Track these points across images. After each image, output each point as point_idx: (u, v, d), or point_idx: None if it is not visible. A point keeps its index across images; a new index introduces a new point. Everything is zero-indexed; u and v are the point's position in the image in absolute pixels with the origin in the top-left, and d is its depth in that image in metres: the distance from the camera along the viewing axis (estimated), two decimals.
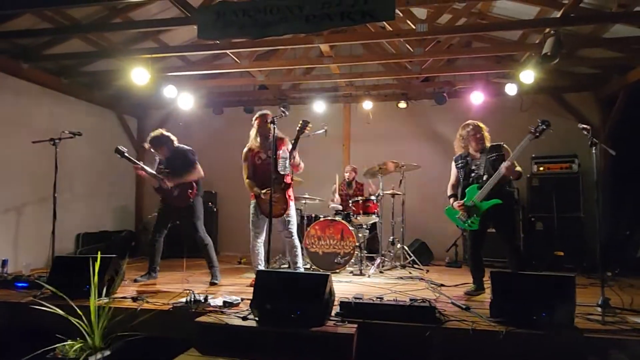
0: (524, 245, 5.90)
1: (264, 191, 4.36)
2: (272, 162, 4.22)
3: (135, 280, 4.64)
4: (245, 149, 4.63)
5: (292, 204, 4.54)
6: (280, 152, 5.01)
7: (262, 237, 4.51)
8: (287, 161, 4.40)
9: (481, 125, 4.14)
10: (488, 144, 4.12)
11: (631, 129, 5.88)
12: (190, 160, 4.72)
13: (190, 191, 4.66)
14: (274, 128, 4.10)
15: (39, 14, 5.00)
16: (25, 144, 5.06)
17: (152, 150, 4.81)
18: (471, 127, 4.13)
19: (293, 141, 4.36)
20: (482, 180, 3.99)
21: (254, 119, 4.58)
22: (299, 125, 4.25)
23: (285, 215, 4.45)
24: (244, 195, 7.35)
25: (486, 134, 4.14)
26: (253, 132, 4.58)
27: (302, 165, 4.52)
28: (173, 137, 4.86)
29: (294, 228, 4.56)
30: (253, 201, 4.54)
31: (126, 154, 4.68)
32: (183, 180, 4.64)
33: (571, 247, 5.63)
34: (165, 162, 4.82)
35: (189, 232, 4.72)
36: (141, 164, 4.73)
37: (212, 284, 4.61)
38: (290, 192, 4.51)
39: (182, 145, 4.88)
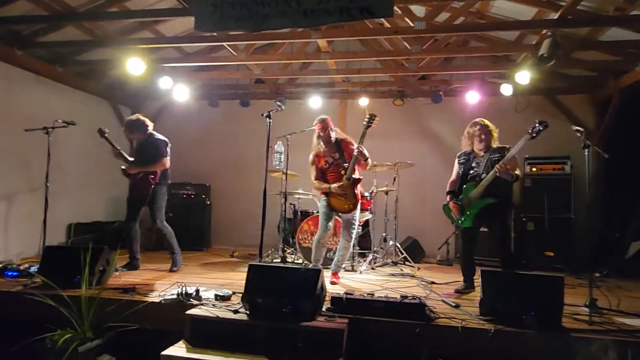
0: (515, 245, 5.93)
1: (334, 185, 4.33)
2: (337, 161, 4.40)
3: (116, 270, 4.55)
4: (312, 155, 4.55)
5: (358, 204, 4.44)
6: (276, 146, 5.01)
7: (330, 232, 4.50)
8: (282, 156, 4.38)
9: (490, 126, 4.14)
10: (495, 145, 4.12)
11: (625, 133, 5.93)
12: (159, 153, 4.79)
13: (151, 177, 4.70)
14: (270, 122, 4.11)
15: (34, 1, 4.94)
16: (17, 132, 5.02)
17: (126, 133, 4.94)
18: (479, 126, 4.14)
19: (360, 138, 4.26)
20: (479, 179, 4.01)
21: (314, 124, 4.48)
22: (366, 119, 4.22)
23: (352, 214, 4.42)
24: (238, 188, 7.43)
25: (494, 135, 4.14)
26: (315, 138, 4.51)
27: (369, 161, 4.36)
28: (149, 123, 4.93)
29: (354, 232, 4.52)
30: (323, 197, 4.52)
31: (106, 135, 4.75)
32: (145, 169, 4.72)
33: (561, 247, 5.68)
34: (137, 147, 4.93)
35: (151, 221, 4.82)
36: (119, 148, 4.82)
37: (172, 271, 4.72)
38: (359, 188, 4.43)
39: (157, 134, 4.94)
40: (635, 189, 5.59)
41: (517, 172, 3.91)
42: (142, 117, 4.95)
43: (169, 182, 5.00)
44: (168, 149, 4.89)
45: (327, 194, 4.47)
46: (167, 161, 4.83)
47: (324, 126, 4.41)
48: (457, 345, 2.87)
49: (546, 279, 3.16)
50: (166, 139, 4.94)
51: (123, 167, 4.83)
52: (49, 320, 3.04)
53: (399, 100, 6.96)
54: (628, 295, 4.25)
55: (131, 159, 4.84)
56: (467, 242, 4.24)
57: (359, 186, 4.43)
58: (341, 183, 4.30)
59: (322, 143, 4.46)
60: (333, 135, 4.47)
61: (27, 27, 5.48)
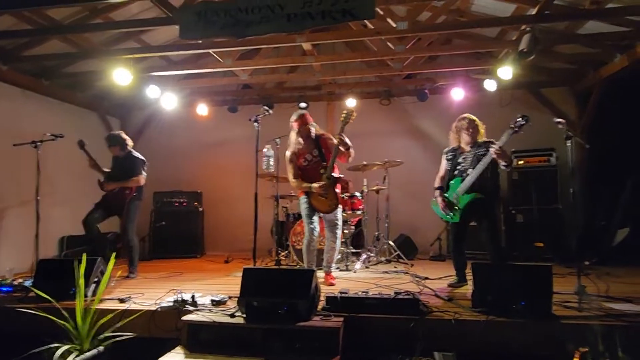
0: (505, 238, 6.02)
1: (315, 185, 4.27)
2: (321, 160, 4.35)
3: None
4: (289, 153, 4.46)
5: (339, 203, 4.39)
6: (265, 150, 5.02)
7: (317, 233, 4.44)
8: (271, 159, 4.40)
9: (477, 121, 4.19)
10: (481, 140, 4.17)
11: (606, 123, 6.05)
12: (136, 170, 4.99)
13: (127, 192, 4.92)
14: (258, 127, 4.13)
15: (18, 15, 4.91)
16: (6, 147, 4.98)
17: (107, 145, 5.09)
18: (466, 120, 4.18)
19: (339, 129, 4.18)
20: (466, 174, 4.06)
21: (292, 120, 4.42)
22: (343, 115, 4.15)
23: (334, 213, 4.38)
24: (230, 194, 7.44)
25: (481, 130, 4.18)
26: (293, 135, 4.44)
27: (352, 151, 4.27)
28: (130, 142, 5.14)
29: (339, 231, 4.48)
30: (303, 197, 4.47)
31: (86, 148, 4.94)
32: (122, 185, 4.92)
33: (550, 238, 5.75)
34: (113, 162, 5.13)
35: (121, 231, 5.04)
36: (95, 160, 5.01)
37: (128, 277, 4.91)
38: (348, 187, 4.40)
39: (135, 153, 5.13)
40: (617, 177, 5.69)
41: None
42: (124, 135, 5.17)
43: (142, 198, 5.18)
44: (145, 168, 5.08)
45: (308, 193, 4.42)
46: (143, 179, 5.03)
47: (303, 121, 4.38)
48: (451, 338, 2.91)
49: (535, 269, 3.20)
50: (144, 159, 5.13)
51: (100, 180, 5.01)
52: (45, 333, 3.02)
53: (385, 100, 7.03)
54: (617, 281, 4.33)
55: (106, 170, 5.05)
56: (457, 237, 4.29)
57: (346, 185, 4.41)
58: (322, 182, 4.27)
59: (300, 139, 4.40)
60: (313, 130, 4.42)
61: (11, 42, 5.45)
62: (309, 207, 4.41)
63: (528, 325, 2.87)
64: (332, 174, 4.29)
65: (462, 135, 4.20)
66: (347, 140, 4.17)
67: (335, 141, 4.20)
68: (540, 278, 3.06)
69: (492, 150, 3.81)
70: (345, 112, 4.19)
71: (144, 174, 5.06)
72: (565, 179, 5.95)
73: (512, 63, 5.28)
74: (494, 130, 4.29)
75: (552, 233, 5.81)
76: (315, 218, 4.45)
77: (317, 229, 4.46)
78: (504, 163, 3.89)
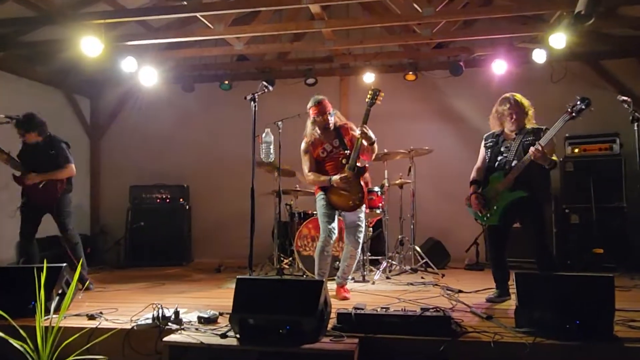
0: (557, 242, 5.97)
1: (335, 177, 4.28)
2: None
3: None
4: (304, 144, 4.54)
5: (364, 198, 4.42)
6: (264, 135, 5.02)
7: (335, 237, 4.49)
8: (271, 146, 4.39)
9: (523, 102, 4.12)
10: (529, 125, 4.12)
11: None
12: (65, 157, 4.95)
13: (59, 185, 4.86)
14: (255, 107, 4.12)
15: None
16: None
17: (18, 131, 4.88)
18: (509, 103, 4.12)
19: (364, 117, 4.25)
20: (509, 166, 4.02)
21: (308, 107, 4.47)
22: (369, 95, 4.20)
23: (357, 212, 4.43)
24: (222, 188, 7.45)
25: (529, 113, 4.13)
26: (309, 124, 4.51)
27: (376, 147, 4.37)
28: (46, 124, 5.03)
29: (362, 236, 4.52)
30: (320, 193, 4.52)
31: None
32: (51, 177, 4.84)
33: (612, 243, 5.70)
34: (24, 151, 4.94)
35: (59, 230, 5.00)
36: (8, 152, 4.79)
37: (89, 289, 4.85)
38: (366, 178, 4.45)
39: (57, 137, 5.07)
40: None
41: (554, 157, 3.92)
42: (41, 117, 4.99)
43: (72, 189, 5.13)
44: (71, 152, 5.06)
45: (326, 189, 4.45)
46: (74, 167, 5.00)
47: (321, 110, 4.38)
48: None
49: (593, 281, 3.18)
50: (68, 142, 5.10)
51: (16, 174, 4.85)
52: None
53: (410, 75, 6.96)
54: None
55: (17, 161, 4.86)
56: (496, 242, 4.29)
57: (366, 175, 4.41)
58: (344, 174, 4.27)
59: (317, 129, 4.45)
60: (332, 120, 4.44)
61: None
62: (327, 205, 4.45)
63: (584, 349, 2.84)
64: (357, 164, 4.30)
65: (506, 122, 4.17)
66: (371, 133, 4.21)
67: (358, 130, 4.21)
68: (600, 292, 3.03)
69: (531, 151, 3.77)
70: (371, 91, 4.20)
71: (72, 159, 5.02)
72: (631, 170, 5.84)
73: (567, 28, 5.20)
74: (545, 112, 4.24)
75: (615, 237, 5.75)
76: (335, 218, 4.50)
77: (336, 230, 4.50)
78: (546, 166, 3.87)
